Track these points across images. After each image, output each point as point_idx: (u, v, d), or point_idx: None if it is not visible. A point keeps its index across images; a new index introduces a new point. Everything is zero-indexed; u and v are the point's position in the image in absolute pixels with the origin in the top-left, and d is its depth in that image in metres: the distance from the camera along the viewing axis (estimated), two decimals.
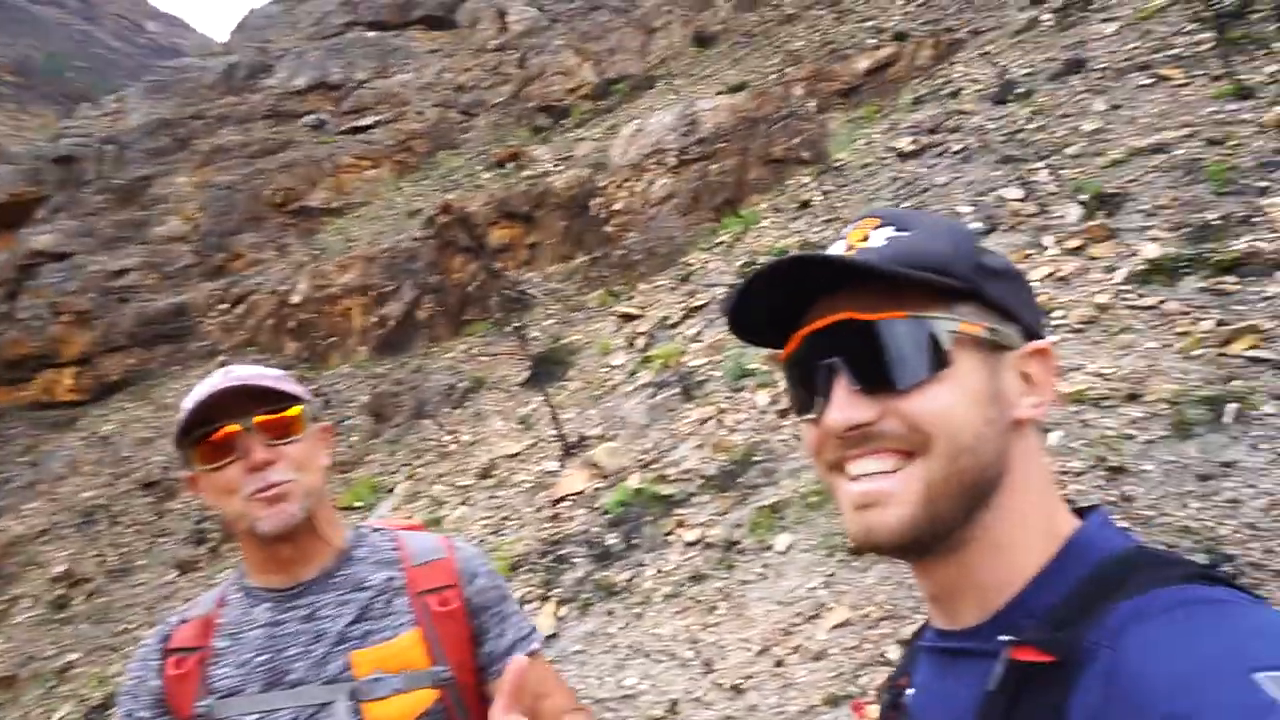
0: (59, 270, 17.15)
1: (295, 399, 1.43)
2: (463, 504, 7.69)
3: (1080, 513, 0.83)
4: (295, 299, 14.31)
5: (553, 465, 7.47)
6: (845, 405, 0.77)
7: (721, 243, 10.13)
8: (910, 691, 0.91)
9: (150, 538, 10.57)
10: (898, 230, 0.83)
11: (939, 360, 0.76)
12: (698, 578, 5.14)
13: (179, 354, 15.29)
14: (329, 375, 12.86)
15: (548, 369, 9.43)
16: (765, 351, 6.45)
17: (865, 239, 0.84)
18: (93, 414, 14.34)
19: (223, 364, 14.25)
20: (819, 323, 0.81)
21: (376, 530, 1.60)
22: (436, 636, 1.46)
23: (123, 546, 10.46)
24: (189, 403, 1.38)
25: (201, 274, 16.93)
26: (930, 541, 0.78)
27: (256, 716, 1.32)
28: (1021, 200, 6.87)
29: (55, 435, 14.04)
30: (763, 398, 6.50)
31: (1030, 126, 7.94)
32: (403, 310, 13.10)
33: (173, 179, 19.31)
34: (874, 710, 1.00)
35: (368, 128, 20.18)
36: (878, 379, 0.77)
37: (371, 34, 24.35)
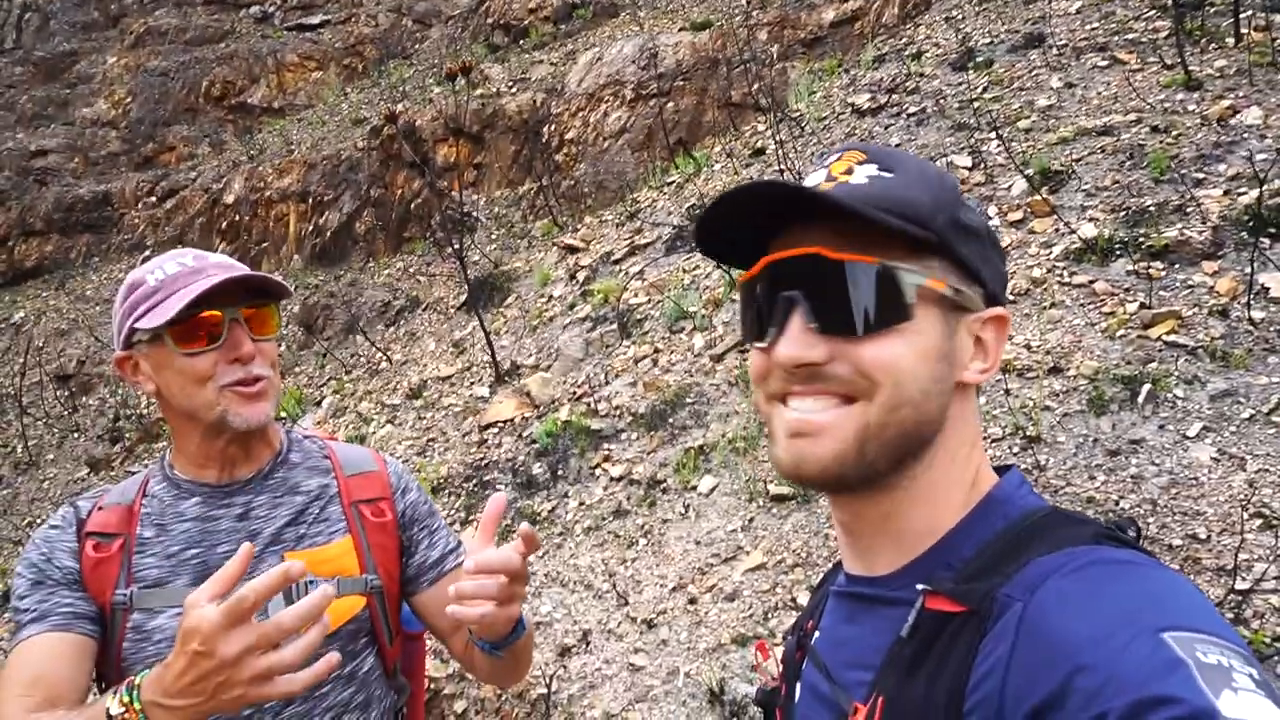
0: None
1: (280, 294, 1.42)
2: (389, 423, 7.61)
3: (997, 472, 0.85)
4: (229, 199, 13.74)
5: (484, 391, 7.42)
6: (798, 341, 0.78)
7: (672, 182, 10.05)
8: (818, 635, 0.93)
9: (62, 432, 10.23)
10: (881, 169, 0.81)
11: (901, 312, 0.76)
12: (620, 513, 5.21)
13: (101, 245, 14.60)
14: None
15: (486, 294, 9.30)
16: (705, 295, 6.42)
17: (849, 172, 0.82)
18: (4, 299, 13.67)
19: (147, 258, 13.67)
20: (786, 252, 0.80)
21: (307, 437, 1.59)
22: (368, 545, 1.47)
23: (32, 439, 10.09)
24: (175, 286, 1.34)
25: (130, 163, 16.09)
26: (855, 482, 0.80)
27: (179, 610, 1.33)
28: (970, 169, 6.94)
29: None
30: (699, 341, 6.53)
31: (986, 96, 8.00)
32: (341, 221, 12.72)
33: (102, 58, 18.19)
34: (778, 651, 1.03)
35: (316, 26, 19.25)
36: (836, 321, 0.77)
37: None
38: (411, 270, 11.10)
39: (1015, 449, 4.19)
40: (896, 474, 0.80)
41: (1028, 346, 4.80)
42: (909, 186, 0.79)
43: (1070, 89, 7.36)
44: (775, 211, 0.81)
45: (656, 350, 6.62)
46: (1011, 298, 5.27)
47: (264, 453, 1.49)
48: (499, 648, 1.26)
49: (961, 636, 0.71)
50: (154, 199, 14.98)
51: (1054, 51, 8.07)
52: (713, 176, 9.52)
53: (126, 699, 1.07)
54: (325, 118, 15.76)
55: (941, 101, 8.33)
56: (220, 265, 1.39)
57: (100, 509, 1.43)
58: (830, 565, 0.98)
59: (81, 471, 9.54)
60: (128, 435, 9.79)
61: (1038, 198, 5.95)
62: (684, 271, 7.66)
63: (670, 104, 11.78)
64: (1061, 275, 5.26)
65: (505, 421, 6.68)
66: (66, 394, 10.98)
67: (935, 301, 0.78)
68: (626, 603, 4.49)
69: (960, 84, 8.51)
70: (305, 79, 17.70)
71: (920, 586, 0.76)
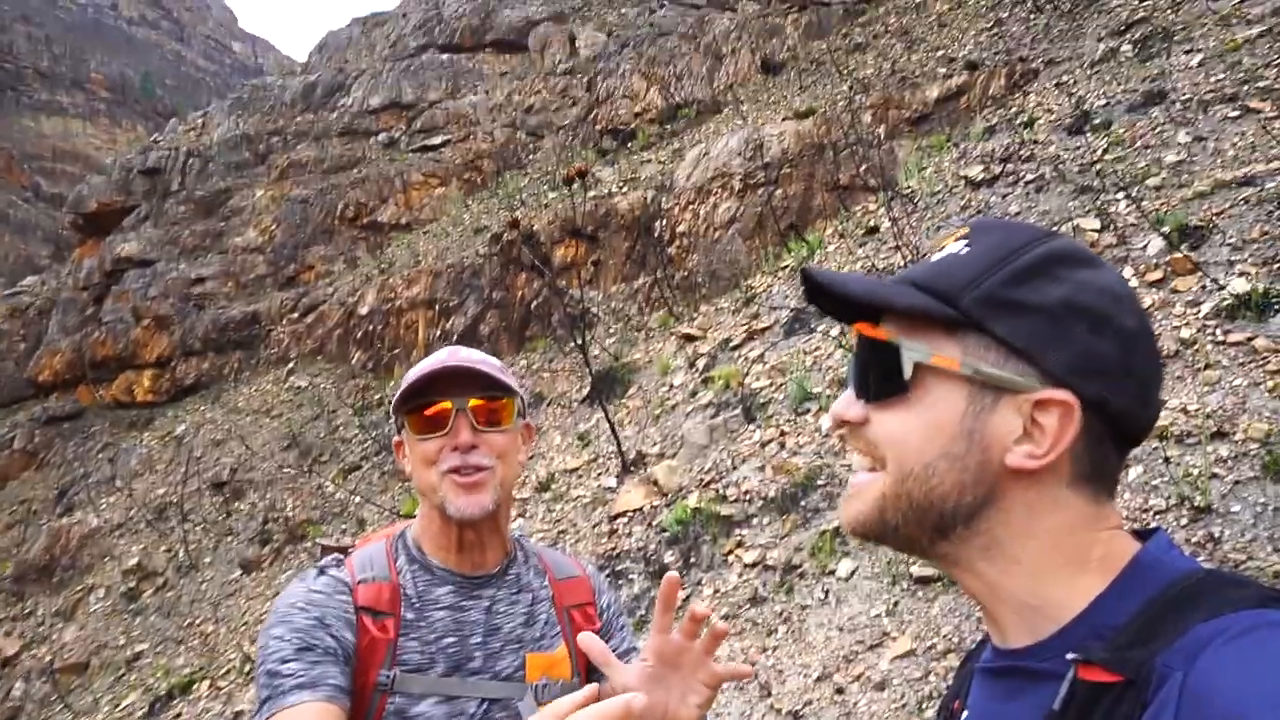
0: (142, 276, 17.86)
1: (510, 390, 1.46)
2: (520, 516, 7.74)
3: (1141, 535, 0.81)
4: (363, 310, 14.66)
5: (611, 481, 7.49)
6: (843, 401, 0.85)
7: (786, 267, 10.10)
8: (965, 714, 0.89)
9: (217, 536, 10.87)
10: (968, 245, 0.83)
11: (897, 385, 0.80)
12: (756, 600, 5.10)
13: (250, 360, 15.75)
14: (393, 386, 13.12)
15: (608, 387, 9.48)
16: (829, 375, 6.33)
17: (940, 249, 0.87)
18: (168, 415, 14.86)
19: (290, 370, 14.59)
20: (854, 327, 0.87)
21: (520, 537, 1.64)
22: (575, 650, 1.47)
23: (191, 543, 10.76)
24: (413, 373, 1.44)
25: (275, 284, 17.45)
26: (893, 543, 0.84)
27: (438, 699, 1.34)
28: (1099, 231, 6.72)
29: (133, 434, 14.57)
30: (826, 422, 6.44)
31: (1108, 157, 7.78)
32: (466, 325, 13.33)
33: (251, 192, 20.01)
34: None
35: (438, 146, 20.68)
36: (860, 387, 0.84)
37: (445, 56, 24.98)
38: (534, 367, 11.45)
39: (1183, 520, 3.90)
40: (947, 544, 0.80)
41: (1184, 410, 4.51)
42: (970, 260, 0.80)
43: (1200, 142, 7.07)
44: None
45: (783, 433, 6.56)
46: (1160, 360, 4.99)
47: (498, 546, 1.51)
48: None
49: (1120, 708, 0.67)
50: (296, 315, 16.13)
51: (1177, 106, 7.82)
52: (827, 258, 9.53)
53: None
54: (449, 229, 16.73)
55: (1060, 166, 8.15)
56: (465, 361, 1.43)
57: (363, 582, 1.40)
58: (975, 643, 0.97)
59: (235, 573, 10.07)
60: (275, 538, 10.31)
61: (1178, 255, 5.68)
62: (805, 353, 7.62)
63: (779, 191, 11.95)
64: (1214, 334, 4.96)
65: (634, 510, 6.70)
66: (221, 500, 11.72)
67: (954, 378, 0.77)
68: (769, 693, 4.34)
69: (1078, 147, 8.32)
70: (430, 195, 18.93)
71: (1070, 656, 0.73)
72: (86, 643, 9.52)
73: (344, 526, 9.79)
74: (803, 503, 5.67)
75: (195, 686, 7.91)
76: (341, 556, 1.48)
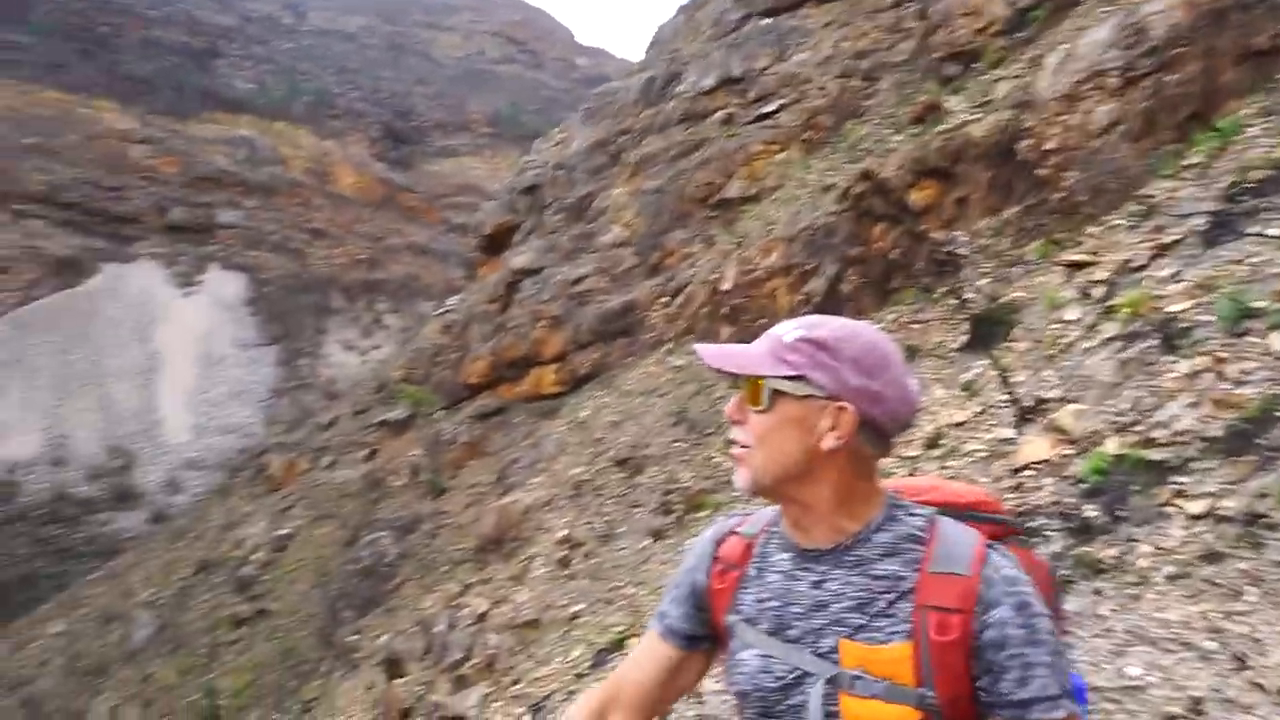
0: (534, 283, 20.32)
1: (755, 374, 1.43)
2: (911, 474, 7.51)
3: None
4: (725, 286, 15.21)
5: (1007, 432, 6.96)
6: None
7: (1193, 165, 8.59)
8: None
9: (626, 508, 12.04)
10: None
11: None
12: (1211, 556, 4.41)
13: (632, 346, 17.19)
14: None
15: (988, 330, 8.82)
16: (1277, 285, 5.26)
17: None
18: (571, 403, 16.79)
19: (668, 351, 15.61)
20: None
21: (915, 513, 1.43)
22: (930, 660, 1.30)
23: (606, 515, 12.05)
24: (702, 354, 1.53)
25: (643, 273, 18.82)
26: None
27: (758, 652, 1.43)
28: None
29: (546, 422, 16.71)
30: (1277, 341, 5.36)
31: None
32: (826, 286, 13.22)
33: (610, 191, 21.72)
34: None
35: (773, 113, 20.69)
36: None
37: (766, 21, 24.86)
38: (903, 319, 11.03)
39: None
40: None
41: None
42: None
43: None
44: None
45: (1218, 360, 5.58)
46: None
47: (821, 526, 1.42)
48: None
49: None
50: (665, 299, 17.24)
51: None
52: (1251, 143, 7.93)
53: None
54: (795, 193, 16.70)
55: None
56: (729, 345, 1.51)
57: (733, 534, 1.57)
58: None
59: (645, 541, 11.07)
60: (676, 507, 11.13)
61: None
62: (1235, 264, 6.41)
63: (1170, 77, 10.16)
64: None
65: (1040, 462, 6.15)
66: (624, 475, 12.94)
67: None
68: (1246, 666, 3.73)
69: None
70: (771, 163, 19.05)
71: None
72: (535, 604, 11.13)
73: (735, 493, 10.27)
74: (1259, 440, 4.78)
75: (626, 643, 8.84)
76: (748, 512, 1.63)
